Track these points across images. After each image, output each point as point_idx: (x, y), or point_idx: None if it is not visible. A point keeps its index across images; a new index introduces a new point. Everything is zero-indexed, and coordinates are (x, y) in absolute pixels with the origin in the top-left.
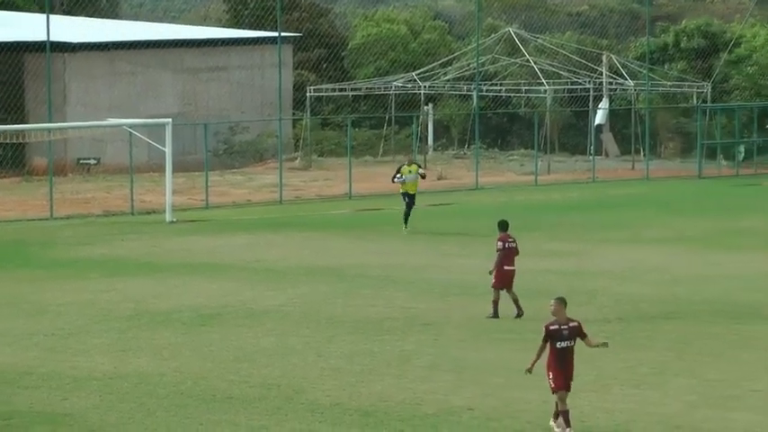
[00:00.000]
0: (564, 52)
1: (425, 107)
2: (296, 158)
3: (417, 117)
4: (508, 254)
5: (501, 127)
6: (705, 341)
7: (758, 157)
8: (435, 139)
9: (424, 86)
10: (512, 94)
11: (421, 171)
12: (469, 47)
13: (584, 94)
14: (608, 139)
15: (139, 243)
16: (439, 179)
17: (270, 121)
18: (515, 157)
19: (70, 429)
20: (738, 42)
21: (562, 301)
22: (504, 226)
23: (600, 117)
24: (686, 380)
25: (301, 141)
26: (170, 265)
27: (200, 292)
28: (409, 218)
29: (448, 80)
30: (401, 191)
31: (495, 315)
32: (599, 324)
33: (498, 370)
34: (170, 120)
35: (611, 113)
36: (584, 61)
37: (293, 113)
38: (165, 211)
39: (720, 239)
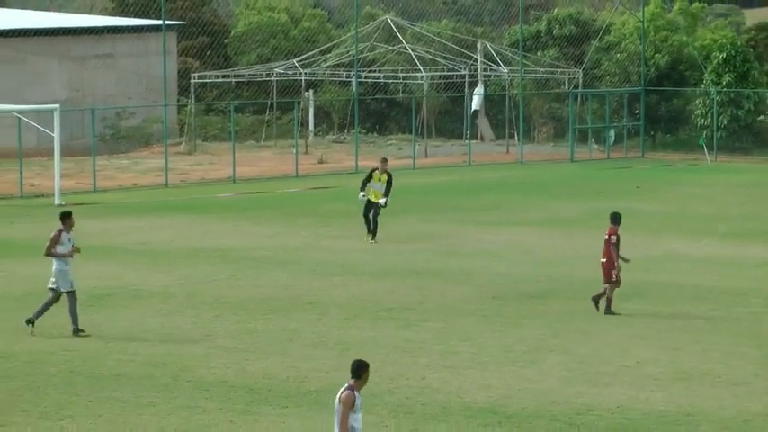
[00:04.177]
0: (440, 40)
1: (306, 93)
2: (181, 143)
3: (298, 103)
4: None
5: (379, 112)
6: (578, 319)
7: (628, 141)
8: (316, 124)
9: (305, 73)
10: (390, 81)
11: (381, 201)
12: (348, 34)
13: (459, 80)
14: (483, 123)
15: (29, 225)
16: (320, 163)
17: (155, 107)
18: (393, 141)
19: None
20: (608, 30)
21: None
22: (614, 219)
23: (475, 102)
24: (561, 357)
25: (186, 127)
26: None
27: (89, 274)
28: (377, 227)
29: (328, 67)
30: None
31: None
32: (476, 302)
33: (380, 347)
34: (58, 106)
35: (487, 99)
36: (459, 48)
37: (178, 100)
38: (53, 195)
39: (592, 221)
